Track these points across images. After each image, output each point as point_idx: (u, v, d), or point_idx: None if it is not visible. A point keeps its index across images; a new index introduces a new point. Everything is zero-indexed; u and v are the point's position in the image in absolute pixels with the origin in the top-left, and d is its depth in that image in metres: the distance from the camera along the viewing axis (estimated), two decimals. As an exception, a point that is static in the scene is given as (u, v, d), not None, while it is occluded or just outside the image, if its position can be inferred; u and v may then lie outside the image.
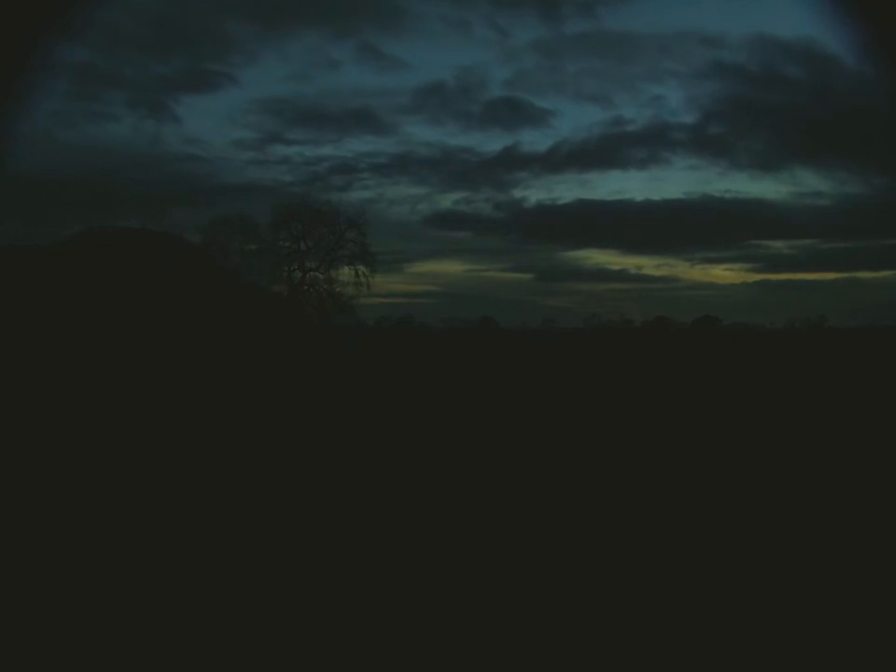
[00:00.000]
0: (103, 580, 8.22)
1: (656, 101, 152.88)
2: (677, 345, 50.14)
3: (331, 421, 20.19)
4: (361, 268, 46.32)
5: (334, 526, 10.43)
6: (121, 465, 14.00)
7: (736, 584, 8.20)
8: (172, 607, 7.56)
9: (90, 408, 20.54)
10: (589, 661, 6.62)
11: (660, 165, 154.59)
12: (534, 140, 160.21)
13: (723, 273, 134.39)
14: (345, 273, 46.60)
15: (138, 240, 38.38)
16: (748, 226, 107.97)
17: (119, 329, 32.36)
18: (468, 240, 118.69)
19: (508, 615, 7.44)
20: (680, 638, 6.94)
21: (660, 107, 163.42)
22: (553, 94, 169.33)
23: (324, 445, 16.65)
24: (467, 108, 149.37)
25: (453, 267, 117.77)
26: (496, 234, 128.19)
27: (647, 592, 7.99)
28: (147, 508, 11.16)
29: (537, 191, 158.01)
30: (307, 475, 13.69)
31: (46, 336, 29.93)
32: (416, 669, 6.55)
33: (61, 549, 9.20)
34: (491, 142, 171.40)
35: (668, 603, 7.70)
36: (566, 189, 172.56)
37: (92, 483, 12.68)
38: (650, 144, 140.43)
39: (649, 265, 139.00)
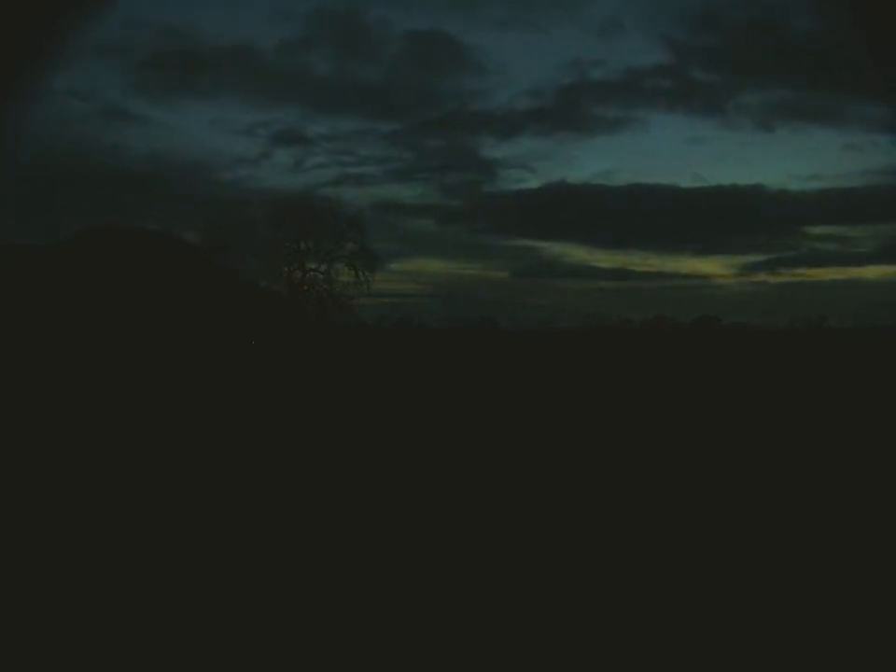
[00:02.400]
0: (102, 577, 8.22)
1: (610, 31, 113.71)
2: (681, 346, 50.09)
3: (336, 420, 20.19)
4: (361, 268, 46.38)
5: (333, 523, 10.43)
6: (121, 461, 14.01)
7: (736, 584, 8.19)
8: (171, 605, 7.56)
9: (90, 404, 20.54)
10: (589, 661, 6.62)
11: (636, 129, 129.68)
12: (475, 93, 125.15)
13: (716, 270, 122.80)
14: (345, 273, 46.64)
15: (138, 239, 38.43)
16: (743, 217, 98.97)
17: (119, 328, 32.37)
18: (431, 232, 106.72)
19: (508, 614, 7.44)
20: (680, 638, 6.94)
21: (618, 41, 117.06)
22: (465, 19, 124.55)
23: (325, 444, 16.65)
24: (382, 47, 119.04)
25: (432, 265, 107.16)
26: (459, 224, 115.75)
27: (647, 591, 7.98)
28: (145, 504, 11.16)
29: (498, 170, 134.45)
30: (305, 474, 13.69)
31: (46, 335, 29.94)
32: (416, 669, 6.55)
33: (60, 546, 9.20)
34: (429, 99, 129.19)
35: (668, 603, 7.70)
36: (529, 168, 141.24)
37: (93, 478, 12.69)
38: (620, 98, 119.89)
39: (634, 260, 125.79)
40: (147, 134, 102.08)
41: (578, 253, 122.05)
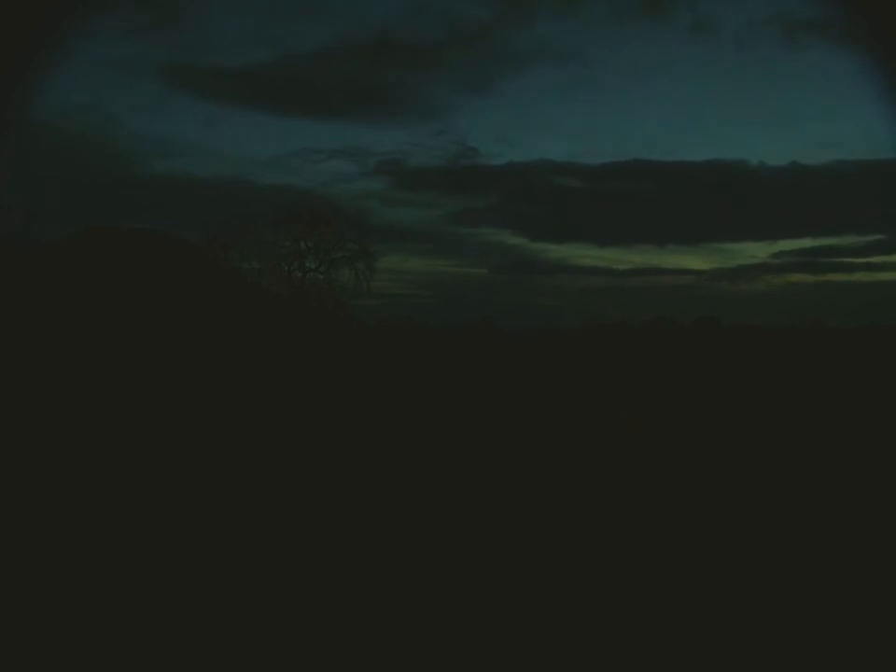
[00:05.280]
0: (103, 577, 8.20)
1: None
2: (689, 347, 50.00)
3: (339, 422, 20.17)
4: (361, 268, 46.35)
5: (335, 523, 10.41)
6: (123, 462, 13.99)
7: (736, 582, 8.17)
8: (172, 604, 7.54)
9: (91, 406, 20.51)
10: (589, 660, 6.59)
11: (600, 70, 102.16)
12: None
13: (707, 266, 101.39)
14: (345, 273, 46.63)
15: (140, 240, 38.43)
16: (741, 200, 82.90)
17: (120, 330, 32.34)
18: (401, 226, 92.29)
19: (508, 614, 7.42)
20: (680, 637, 6.92)
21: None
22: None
23: (327, 445, 16.63)
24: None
25: (407, 262, 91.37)
26: (423, 212, 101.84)
27: (647, 590, 7.96)
28: (148, 505, 11.15)
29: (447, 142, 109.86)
30: (307, 474, 13.67)
31: (47, 335, 29.91)
32: (416, 669, 6.52)
33: (61, 547, 9.18)
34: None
35: (668, 602, 7.67)
36: (503, 141, 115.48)
37: (94, 479, 12.67)
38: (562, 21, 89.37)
39: (617, 256, 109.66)
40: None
41: (558, 248, 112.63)
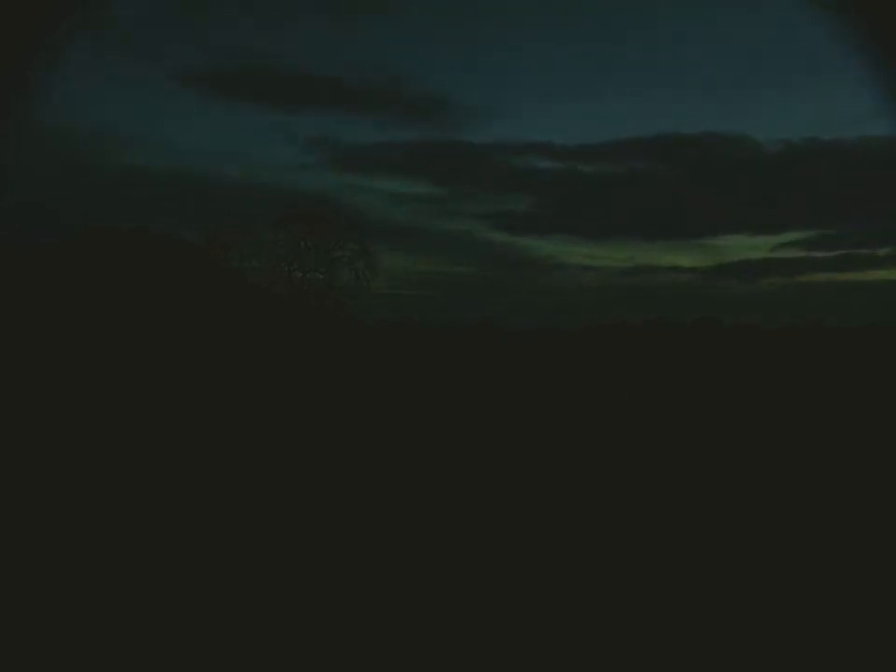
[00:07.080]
0: (103, 576, 8.20)
1: None
2: (689, 347, 49.86)
3: (340, 422, 20.18)
4: (361, 269, 46.37)
5: (335, 521, 10.41)
6: (125, 463, 13.99)
7: (736, 581, 8.17)
8: (173, 603, 7.53)
9: (92, 406, 20.52)
10: (589, 660, 6.59)
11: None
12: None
13: (699, 264, 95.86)
14: (345, 273, 46.64)
15: (140, 241, 38.41)
16: (738, 187, 72.05)
17: (120, 330, 32.35)
18: (381, 222, 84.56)
19: (509, 614, 7.41)
20: (680, 636, 6.91)
21: None
22: None
23: (328, 445, 16.64)
24: None
25: (394, 261, 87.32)
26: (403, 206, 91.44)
27: (647, 589, 7.96)
28: (148, 504, 11.15)
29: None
30: (308, 473, 13.67)
31: (47, 336, 29.93)
32: (416, 669, 6.52)
33: (61, 545, 9.18)
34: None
35: (668, 600, 7.67)
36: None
37: (95, 479, 12.67)
38: None
39: (604, 252, 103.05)
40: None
41: (545, 245, 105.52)
